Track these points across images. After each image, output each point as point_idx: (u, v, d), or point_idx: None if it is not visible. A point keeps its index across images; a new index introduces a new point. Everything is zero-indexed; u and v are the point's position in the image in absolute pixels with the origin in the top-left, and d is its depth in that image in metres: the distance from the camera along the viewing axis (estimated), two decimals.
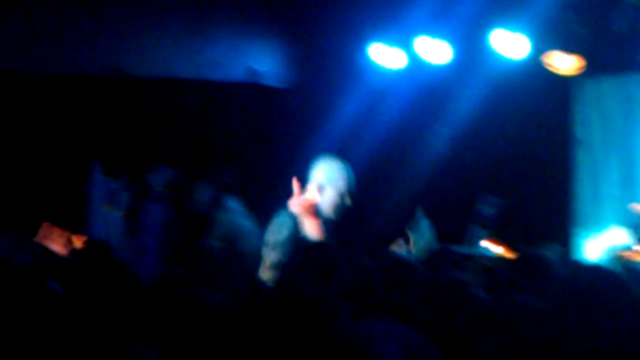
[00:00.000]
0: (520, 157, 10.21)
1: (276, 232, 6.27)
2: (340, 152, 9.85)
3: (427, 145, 10.03)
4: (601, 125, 10.11)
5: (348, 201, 6.44)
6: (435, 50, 9.19)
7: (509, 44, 8.89)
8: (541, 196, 9.94)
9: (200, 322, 4.15)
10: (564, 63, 9.01)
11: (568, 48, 8.86)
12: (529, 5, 8.50)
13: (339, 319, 3.90)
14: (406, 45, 9.28)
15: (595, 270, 4.09)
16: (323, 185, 6.41)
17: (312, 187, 6.32)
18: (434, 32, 9.08)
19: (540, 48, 8.94)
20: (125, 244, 8.18)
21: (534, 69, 9.09)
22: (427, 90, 9.72)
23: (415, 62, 9.32)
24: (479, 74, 9.36)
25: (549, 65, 9.02)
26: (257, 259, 6.22)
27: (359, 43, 9.58)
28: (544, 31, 8.82)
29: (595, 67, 9.43)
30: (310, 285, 4.02)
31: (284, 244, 6.13)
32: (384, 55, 9.48)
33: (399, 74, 9.50)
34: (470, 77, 9.46)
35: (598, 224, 9.87)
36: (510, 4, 8.68)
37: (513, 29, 8.77)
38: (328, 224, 6.25)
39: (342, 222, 6.35)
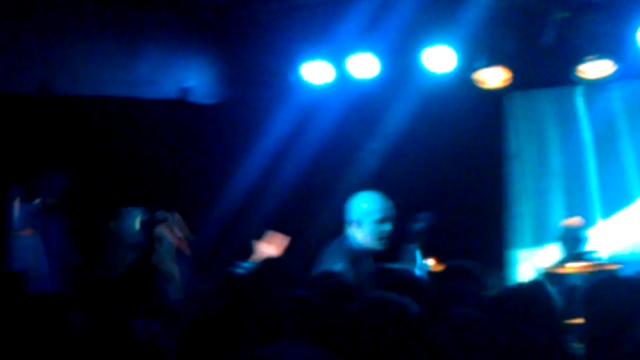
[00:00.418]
0: (452, 172, 10.22)
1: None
2: (270, 169, 9.92)
3: (357, 160, 10.00)
4: (532, 139, 10.17)
5: (387, 226, 6.88)
6: (364, 65, 9.18)
7: (438, 58, 8.91)
8: (473, 211, 9.96)
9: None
10: (493, 77, 9.05)
11: (496, 62, 8.90)
12: (457, 20, 8.53)
13: (248, 343, 3.89)
14: (336, 60, 9.26)
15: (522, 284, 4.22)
16: (360, 220, 6.87)
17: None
18: (362, 47, 9.06)
19: (468, 62, 8.97)
20: (37, 268, 7.95)
21: (464, 83, 9.12)
22: (357, 105, 9.71)
23: (344, 77, 9.29)
24: (408, 88, 9.37)
25: (479, 79, 9.05)
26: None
27: (289, 58, 9.53)
28: (472, 45, 8.86)
29: (524, 81, 9.49)
30: (225, 311, 4.03)
31: None
32: (314, 71, 9.44)
33: (328, 89, 9.47)
34: (399, 91, 9.46)
35: (531, 239, 9.93)
36: (438, 18, 8.70)
37: (441, 43, 8.79)
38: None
39: None
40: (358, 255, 6.84)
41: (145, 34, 9.96)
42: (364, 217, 6.97)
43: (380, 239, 6.89)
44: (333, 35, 9.01)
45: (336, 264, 6.65)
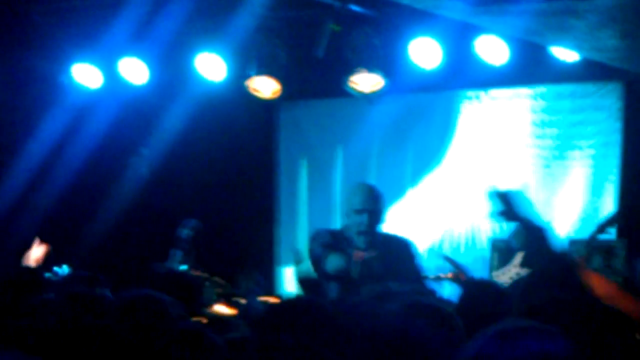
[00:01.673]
0: (225, 181, 10.21)
1: None
2: (41, 174, 9.63)
3: (129, 166, 9.84)
4: (303, 150, 10.26)
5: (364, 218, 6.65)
6: (134, 70, 9.04)
7: (210, 66, 8.87)
8: (243, 221, 9.96)
9: None
10: (265, 87, 9.07)
11: (267, 72, 8.92)
12: (228, 28, 8.50)
13: None
14: (106, 64, 9.07)
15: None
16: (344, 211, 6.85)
17: None
18: (132, 52, 8.92)
19: (240, 71, 8.96)
20: None
21: (238, 92, 9.10)
22: (130, 110, 9.53)
23: (116, 81, 9.11)
24: (182, 95, 9.29)
25: (251, 88, 9.05)
26: None
27: (60, 61, 9.28)
28: (243, 54, 8.86)
29: (297, 92, 9.57)
30: None
31: None
32: (85, 74, 9.22)
33: (100, 94, 9.26)
34: (172, 98, 9.37)
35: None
36: (209, 26, 8.65)
37: (211, 51, 8.75)
38: None
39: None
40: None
41: None
42: (346, 208, 6.96)
43: (357, 231, 6.73)
44: (103, 39, 8.81)
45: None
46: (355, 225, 6.74)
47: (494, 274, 8.40)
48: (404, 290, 4.80)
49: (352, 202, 6.82)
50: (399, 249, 6.77)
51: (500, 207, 6.25)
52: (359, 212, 6.75)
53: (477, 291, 5.34)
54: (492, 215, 6.34)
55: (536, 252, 6.11)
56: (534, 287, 5.32)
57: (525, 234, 6.63)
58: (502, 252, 9.02)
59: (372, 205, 6.81)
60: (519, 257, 8.02)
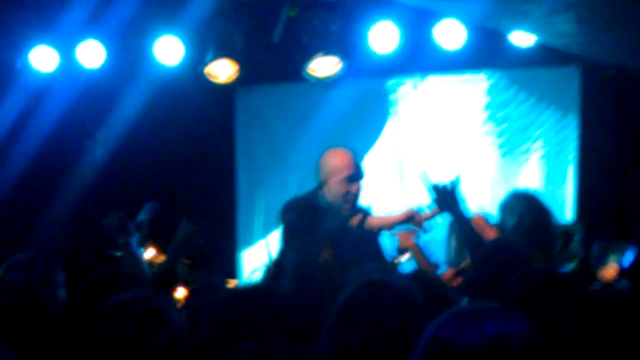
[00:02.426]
0: (181, 165, 10.17)
1: None
2: None
3: (85, 150, 9.75)
4: (262, 134, 10.23)
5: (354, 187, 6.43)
6: (91, 53, 8.94)
7: (167, 49, 8.80)
8: (202, 206, 9.92)
9: None
10: (223, 71, 9.02)
11: (224, 56, 8.88)
12: (185, 11, 8.44)
13: None
14: (63, 47, 8.96)
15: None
16: (326, 179, 6.44)
17: None
18: (89, 34, 8.83)
19: (198, 55, 8.91)
20: None
21: (196, 76, 9.05)
22: (87, 93, 9.43)
23: (73, 64, 9.01)
24: (139, 78, 9.20)
25: (209, 73, 9.00)
26: None
27: (16, 44, 9.16)
28: (201, 38, 8.81)
29: (255, 76, 9.54)
30: None
31: None
32: (42, 57, 9.11)
33: (57, 77, 9.16)
34: (129, 81, 9.28)
35: (257, 236, 9.97)
36: (167, 9, 8.59)
37: (169, 34, 8.69)
38: None
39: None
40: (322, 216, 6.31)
41: None
42: (330, 177, 6.58)
43: (346, 201, 6.48)
44: (60, 21, 8.72)
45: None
46: (343, 194, 6.51)
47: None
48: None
49: (338, 168, 6.55)
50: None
51: (433, 195, 6.28)
52: (351, 180, 6.53)
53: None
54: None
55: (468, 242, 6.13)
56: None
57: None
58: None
59: (362, 174, 6.61)
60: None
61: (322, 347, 3.33)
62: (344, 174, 6.56)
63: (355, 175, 6.59)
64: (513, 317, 2.47)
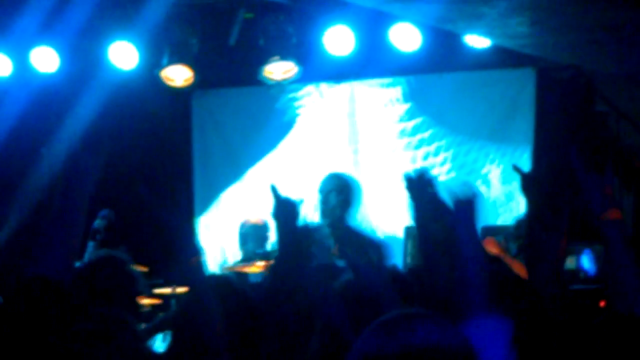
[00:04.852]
0: (138, 170, 10.09)
1: None
2: None
3: (39, 157, 9.65)
4: (218, 137, 10.21)
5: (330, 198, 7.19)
6: (45, 59, 8.87)
7: (122, 54, 8.75)
8: (160, 211, 9.84)
9: None
10: (178, 75, 8.99)
11: (179, 60, 8.85)
12: (139, 16, 8.39)
13: None
14: (16, 52, 8.89)
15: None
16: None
17: None
18: (42, 40, 8.75)
19: (153, 60, 8.87)
20: None
21: (152, 81, 9.01)
22: (41, 99, 9.35)
23: (26, 70, 8.94)
24: (94, 84, 9.10)
25: (165, 77, 8.97)
26: None
27: None
28: (156, 42, 8.77)
29: (211, 80, 9.51)
30: None
31: None
32: None
33: (11, 83, 9.08)
34: (83, 87, 9.19)
35: (214, 238, 9.94)
36: (121, 14, 8.53)
37: (123, 40, 8.64)
38: None
39: None
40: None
41: None
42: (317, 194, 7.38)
43: (324, 214, 7.22)
44: (13, 27, 8.64)
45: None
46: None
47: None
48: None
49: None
50: None
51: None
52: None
53: None
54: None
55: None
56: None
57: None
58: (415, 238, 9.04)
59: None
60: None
61: None
62: (320, 189, 7.39)
63: (328, 190, 7.37)
64: (443, 325, 2.32)
